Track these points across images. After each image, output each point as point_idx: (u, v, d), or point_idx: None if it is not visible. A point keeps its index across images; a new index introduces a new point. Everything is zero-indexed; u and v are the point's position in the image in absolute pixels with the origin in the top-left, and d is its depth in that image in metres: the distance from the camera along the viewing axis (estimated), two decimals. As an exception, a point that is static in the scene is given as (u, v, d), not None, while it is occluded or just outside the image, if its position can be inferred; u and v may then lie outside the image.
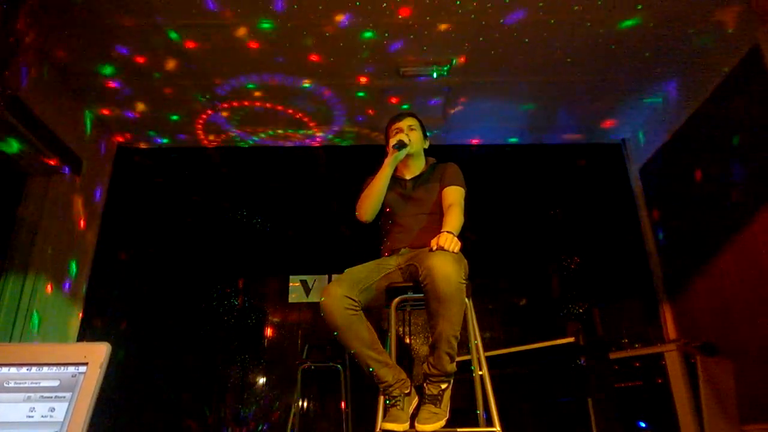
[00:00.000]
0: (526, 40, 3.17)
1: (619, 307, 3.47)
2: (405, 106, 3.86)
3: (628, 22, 3.02)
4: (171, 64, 3.34)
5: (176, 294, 3.94)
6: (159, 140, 4.29)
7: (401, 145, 2.10)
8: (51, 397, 0.84)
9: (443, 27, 3.07)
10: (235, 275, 4.06)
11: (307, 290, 4.00)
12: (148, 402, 3.60)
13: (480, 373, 1.86)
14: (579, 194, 4.28)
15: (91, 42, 3.13)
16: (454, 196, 2.06)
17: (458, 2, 2.87)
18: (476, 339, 1.90)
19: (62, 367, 0.86)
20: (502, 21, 3.02)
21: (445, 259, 1.65)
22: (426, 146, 2.30)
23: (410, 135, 2.19)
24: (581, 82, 3.62)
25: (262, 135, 4.25)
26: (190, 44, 3.16)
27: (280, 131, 4.18)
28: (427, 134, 2.34)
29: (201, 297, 3.95)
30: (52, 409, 0.83)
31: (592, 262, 4.05)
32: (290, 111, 3.91)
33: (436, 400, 1.73)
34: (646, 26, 3.05)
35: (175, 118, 3.96)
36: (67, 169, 3.50)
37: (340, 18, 2.97)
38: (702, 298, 3.39)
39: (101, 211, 4.00)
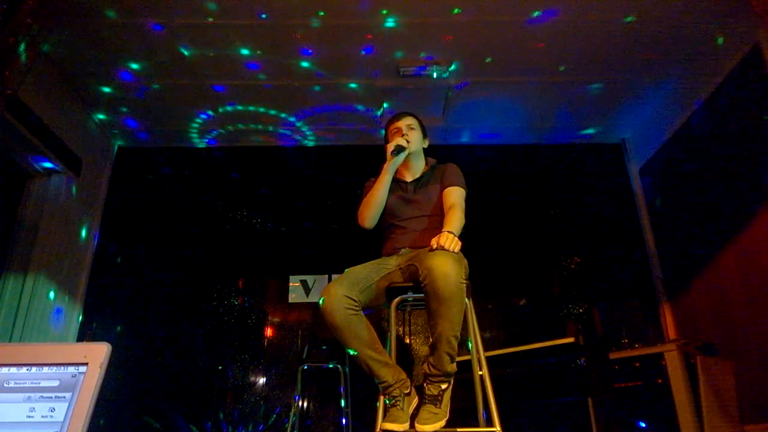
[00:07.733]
0: (526, 40, 3.17)
1: (619, 307, 3.47)
2: (404, 107, 3.86)
3: (628, 21, 3.02)
4: (170, 65, 3.34)
5: (176, 294, 3.94)
6: (158, 140, 4.28)
7: (399, 149, 2.08)
8: (51, 397, 0.84)
9: (443, 27, 3.06)
10: (235, 275, 4.06)
11: (307, 290, 4.00)
12: (148, 402, 3.60)
13: (480, 373, 1.86)
14: (579, 194, 4.28)
15: (91, 42, 3.12)
16: (454, 196, 2.06)
17: (458, 2, 2.88)
18: (476, 339, 1.90)
19: (62, 367, 0.86)
20: (501, 21, 3.01)
21: (445, 259, 1.65)
22: (426, 145, 2.29)
23: (409, 134, 2.18)
24: (581, 82, 3.61)
25: (261, 135, 4.25)
26: (188, 46, 3.17)
27: (280, 131, 4.18)
28: (427, 133, 2.33)
29: (201, 297, 3.95)
30: (52, 409, 0.83)
31: (592, 262, 4.05)
32: (291, 111, 3.91)
33: (436, 400, 1.72)
34: (645, 26, 3.04)
35: (174, 118, 3.96)
36: (67, 169, 3.50)
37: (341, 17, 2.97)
38: (702, 298, 3.39)
39: (101, 211, 4.00)
